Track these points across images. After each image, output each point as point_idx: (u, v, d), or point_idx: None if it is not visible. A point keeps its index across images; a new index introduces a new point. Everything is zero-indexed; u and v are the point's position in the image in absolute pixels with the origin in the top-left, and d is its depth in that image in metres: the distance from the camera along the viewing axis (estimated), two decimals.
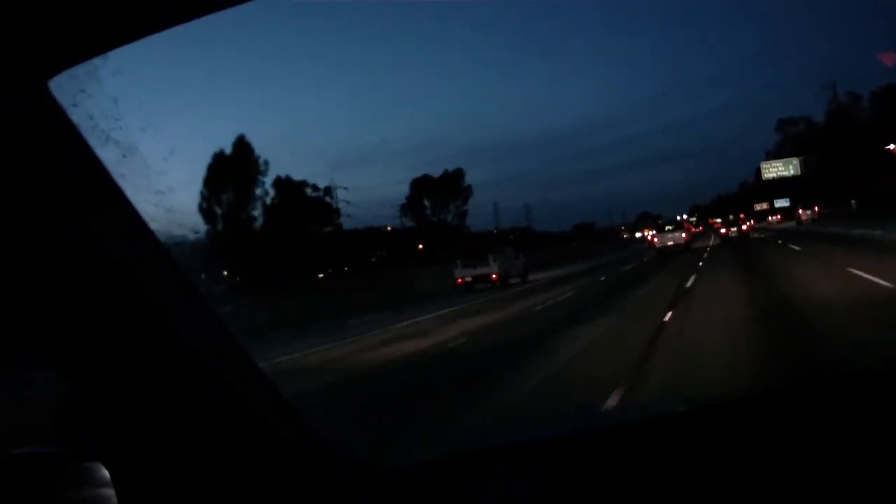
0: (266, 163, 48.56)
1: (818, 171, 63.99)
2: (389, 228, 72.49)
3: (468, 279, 28.84)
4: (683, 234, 40.48)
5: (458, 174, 74.65)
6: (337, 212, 58.05)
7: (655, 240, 42.14)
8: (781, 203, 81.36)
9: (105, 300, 0.83)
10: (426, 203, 72.90)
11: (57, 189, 0.80)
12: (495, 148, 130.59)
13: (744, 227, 47.95)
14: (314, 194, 56.60)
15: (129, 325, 0.85)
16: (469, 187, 74.22)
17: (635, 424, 1.35)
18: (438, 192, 72.65)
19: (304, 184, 55.12)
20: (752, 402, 1.34)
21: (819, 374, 4.79)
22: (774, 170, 69.12)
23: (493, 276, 28.57)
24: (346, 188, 69.63)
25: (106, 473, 0.92)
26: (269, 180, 49.92)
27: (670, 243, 38.84)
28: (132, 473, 0.92)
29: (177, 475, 0.92)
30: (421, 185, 74.16)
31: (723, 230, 49.12)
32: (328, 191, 57.68)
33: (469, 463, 1.21)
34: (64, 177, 0.81)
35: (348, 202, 71.13)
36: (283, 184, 53.25)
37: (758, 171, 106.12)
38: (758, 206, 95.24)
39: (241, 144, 46.68)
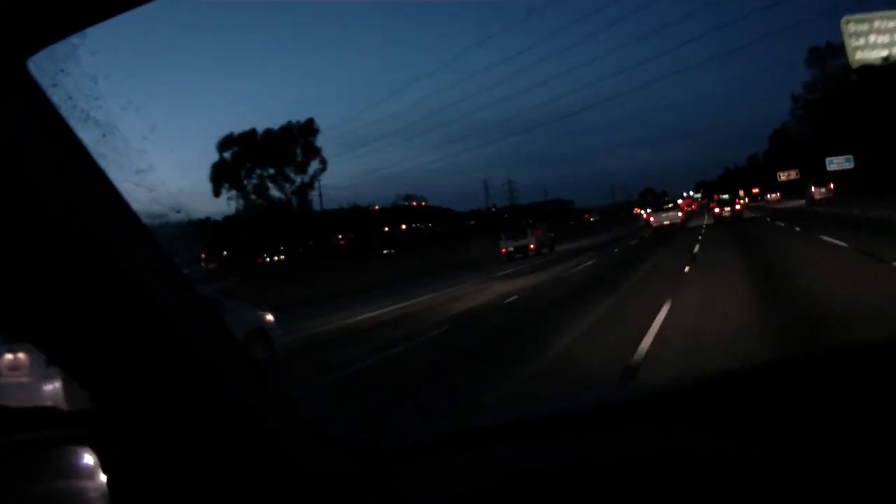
0: None
1: None
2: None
3: (511, 249, 35.15)
4: (679, 214, 42.49)
5: (308, 129, 44.93)
6: None
7: (651, 219, 44.20)
8: (840, 163, 49.17)
9: (88, 283, 0.83)
10: (252, 174, 46.58)
11: (37, 170, 0.80)
12: (498, 123, 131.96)
13: (737, 206, 48.26)
14: None
15: (114, 308, 0.85)
16: (319, 150, 46.62)
17: (647, 399, 1.29)
18: (270, 157, 44.75)
19: None
20: (759, 376, 1.28)
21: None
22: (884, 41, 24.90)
23: (532, 246, 35.02)
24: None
25: (93, 458, 0.94)
26: None
27: (666, 222, 41.04)
28: (122, 458, 0.93)
29: (165, 461, 0.92)
30: (245, 146, 44.58)
31: (716, 210, 48.47)
32: None
33: (455, 444, 1.20)
34: (44, 157, 0.81)
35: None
36: None
37: (773, 136, 70.27)
38: (784, 176, 66.92)
39: None
